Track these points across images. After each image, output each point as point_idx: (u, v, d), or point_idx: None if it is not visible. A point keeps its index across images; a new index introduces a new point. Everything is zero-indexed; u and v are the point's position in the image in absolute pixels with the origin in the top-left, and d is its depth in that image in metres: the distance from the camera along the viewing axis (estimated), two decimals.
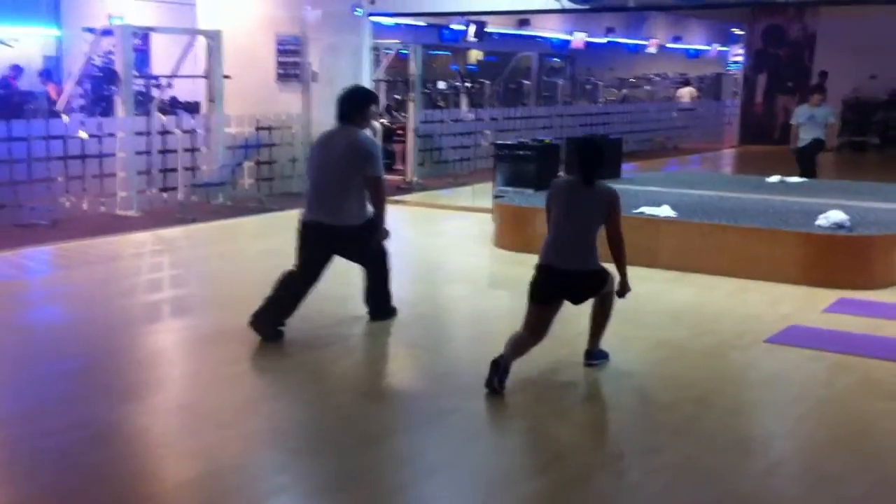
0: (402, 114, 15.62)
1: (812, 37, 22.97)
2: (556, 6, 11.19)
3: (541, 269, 5.50)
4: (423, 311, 7.19)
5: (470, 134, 16.38)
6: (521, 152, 11.19)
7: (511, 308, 7.54)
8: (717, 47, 28.43)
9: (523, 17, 19.35)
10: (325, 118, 13.12)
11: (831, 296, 7.48)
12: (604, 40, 22.03)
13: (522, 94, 21.07)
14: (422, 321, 6.93)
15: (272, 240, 10.05)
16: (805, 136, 12.53)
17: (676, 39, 25.54)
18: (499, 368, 5.22)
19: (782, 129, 15.29)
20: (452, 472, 4.39)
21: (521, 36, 20.26)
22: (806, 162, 12.62)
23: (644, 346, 6.28)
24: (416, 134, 14.90)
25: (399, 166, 15.31)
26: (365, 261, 6.51)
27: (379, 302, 6.70)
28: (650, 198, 9.62)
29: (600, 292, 5.62)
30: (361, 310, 6.74)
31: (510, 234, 9.46)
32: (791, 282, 7.86)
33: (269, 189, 12.94)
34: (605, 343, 5.83)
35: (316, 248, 6.27)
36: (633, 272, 5.81)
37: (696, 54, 28.15)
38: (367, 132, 6.41)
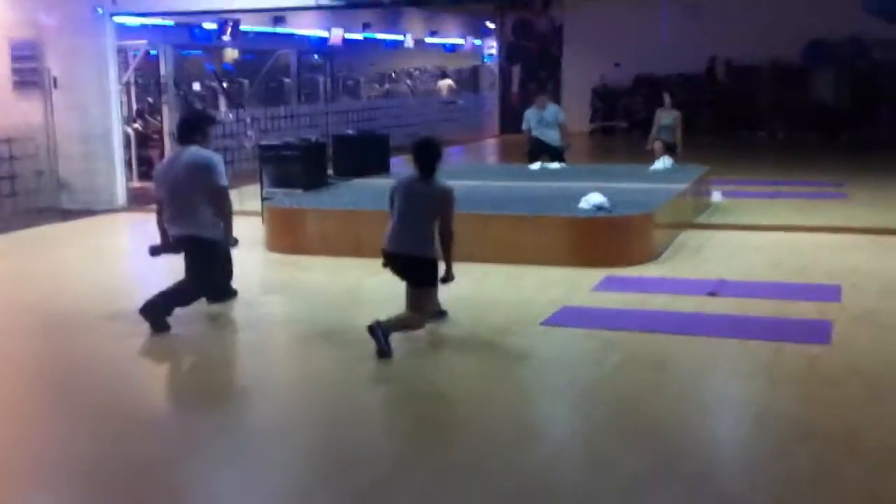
0: (157, 117, 14.88)
1: (559, 29, 24.06)
2: (310, 3, 10.94)
3: (382, 254, 6.10)
4: (198, 320, 6.80)
5: (231, 135, 15.85)
6: (287, 152, 10.84)
7: (287, 313, 7.30)
8: (473, 41, 29.17)
9: (278, 15, 18.97)
10: (70, 127, 12.37)
11: (598, 275, 7.73)
12: (361, 36, 21.99)
13: (284, 93, 20.68)
14: (196, 331, 6.56)
15: (16, 261, 9.24)
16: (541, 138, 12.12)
17: (433, 34, 25.94)
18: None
19: None
20: (242, 493, 4.13)
21: (277, 34, 19.85)
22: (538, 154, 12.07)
23: (424, 340, 6.22)
24: (173, 138, 14.22)
25: None
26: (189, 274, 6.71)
27: (161, 304, 6.51)
28: None
29: (423, 286, 5.99)
30: (132, 329, 6.30)
31: (281, 237, 9.18)
32: (559, 264, 8.07)
33: (12, 206, 11.93)
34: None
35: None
36: None
37: (453, 48, 28.73)
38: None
